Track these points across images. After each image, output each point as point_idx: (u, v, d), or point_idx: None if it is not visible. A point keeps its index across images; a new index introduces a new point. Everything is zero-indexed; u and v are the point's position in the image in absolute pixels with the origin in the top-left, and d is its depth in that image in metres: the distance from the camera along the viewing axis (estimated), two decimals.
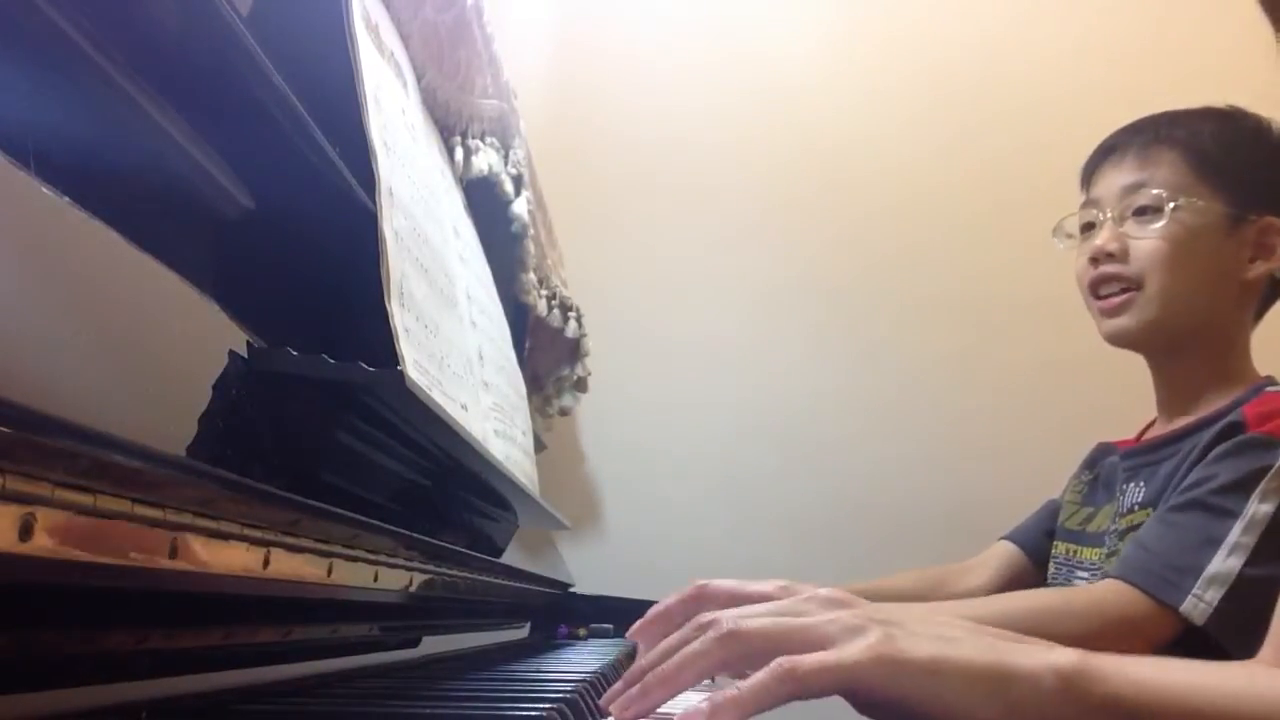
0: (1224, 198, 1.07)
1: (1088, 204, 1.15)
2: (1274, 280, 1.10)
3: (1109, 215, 1.11)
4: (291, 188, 0.69)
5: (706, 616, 0.54)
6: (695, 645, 0.52)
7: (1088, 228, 1.15)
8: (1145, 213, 1.09)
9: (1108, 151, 1.15)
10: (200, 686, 0.50)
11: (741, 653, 0.51)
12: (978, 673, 0.48)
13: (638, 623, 0.64)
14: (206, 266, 0.59)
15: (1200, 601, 0.91)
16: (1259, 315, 1.13)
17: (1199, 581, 0.92)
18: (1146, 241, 1.08)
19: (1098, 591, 0.97)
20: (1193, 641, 0.91)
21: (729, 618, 0.52)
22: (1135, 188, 1.10)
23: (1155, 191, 1.08)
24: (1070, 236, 1.17)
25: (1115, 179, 1.12)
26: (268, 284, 0.66)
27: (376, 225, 0.68)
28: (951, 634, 0.50)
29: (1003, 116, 1.94)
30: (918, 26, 2.01)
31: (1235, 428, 0.99)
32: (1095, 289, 1.12)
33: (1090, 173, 1.17)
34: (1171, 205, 1.07)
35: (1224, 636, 0.89)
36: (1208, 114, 1.12)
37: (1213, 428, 1.02)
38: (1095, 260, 1.11)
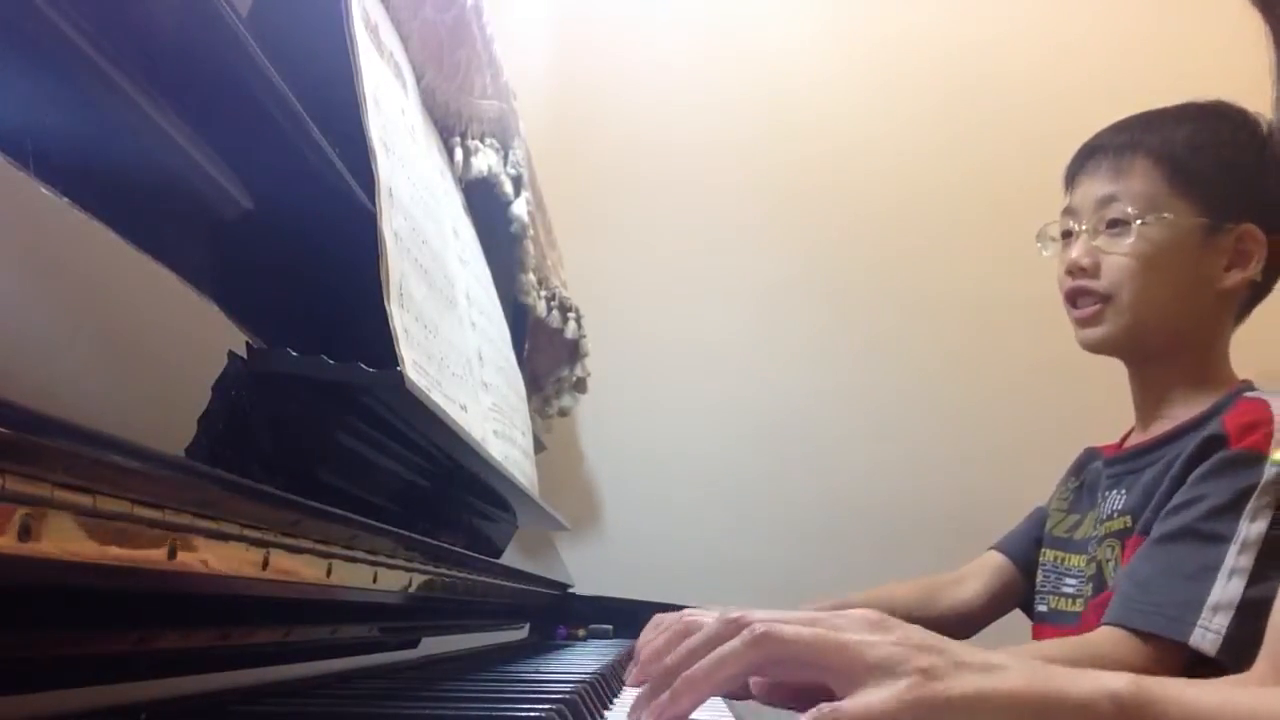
0: (1198, 207, 1.06)
1: (1067, 212, 1.15)
2: (1256, 286, 1.09)
3: (1084, 227, 1.11)
4: (291, 188, 0.69)
5: (735, 612, 0.52)
6: (729, 646, 0.49)
7: (1068, 234, 1.15)
8: (1116, 226, 1.08)
9: (1087, 156, 1.15)
10: (200, 687, 0.50)
11: (776, 657, 0.49)
12: (1026, 704, 0.46)
13: (636, 669, 0.64)
14: (206, 267, 0.59)
15: (1208, 631, 0.90)
16: (1239, 319, 1.12)
17: (1203, 612, 0.91)
18: (1116, 257, 1.08)
19: (1097, 643, 0.96)
20: (1197, 670, 0.90)
21: (763, 620, 0.50)
22: (1108, 200, 1.09)
23: (1125, 207, 1.08)
24: (1054, 241, 1.17)
25: (1091, 189, 1.12)
26: (267, 285, 0.66)
27: (376, 226, 0.68)
28: (997, 661, 0.48)
29: (1003, 116, 1.94)
30: (919, 26, 2.01)
31: (1217, 441, 0.98)
32: (1071, 300, 1.13)
33: (1072, 176, 1.17)
34: (1140, 222, 1.06)
35: (1233, 662, 0.87)
36: (1186, 115, 1.11)
37: (1192, 436, 1.01)
38: (1070, 273, 1.12)
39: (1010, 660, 0.48)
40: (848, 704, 0.45)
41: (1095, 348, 1.13)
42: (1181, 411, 1.08)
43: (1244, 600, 0.90)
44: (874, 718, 0.45)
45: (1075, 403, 1.71)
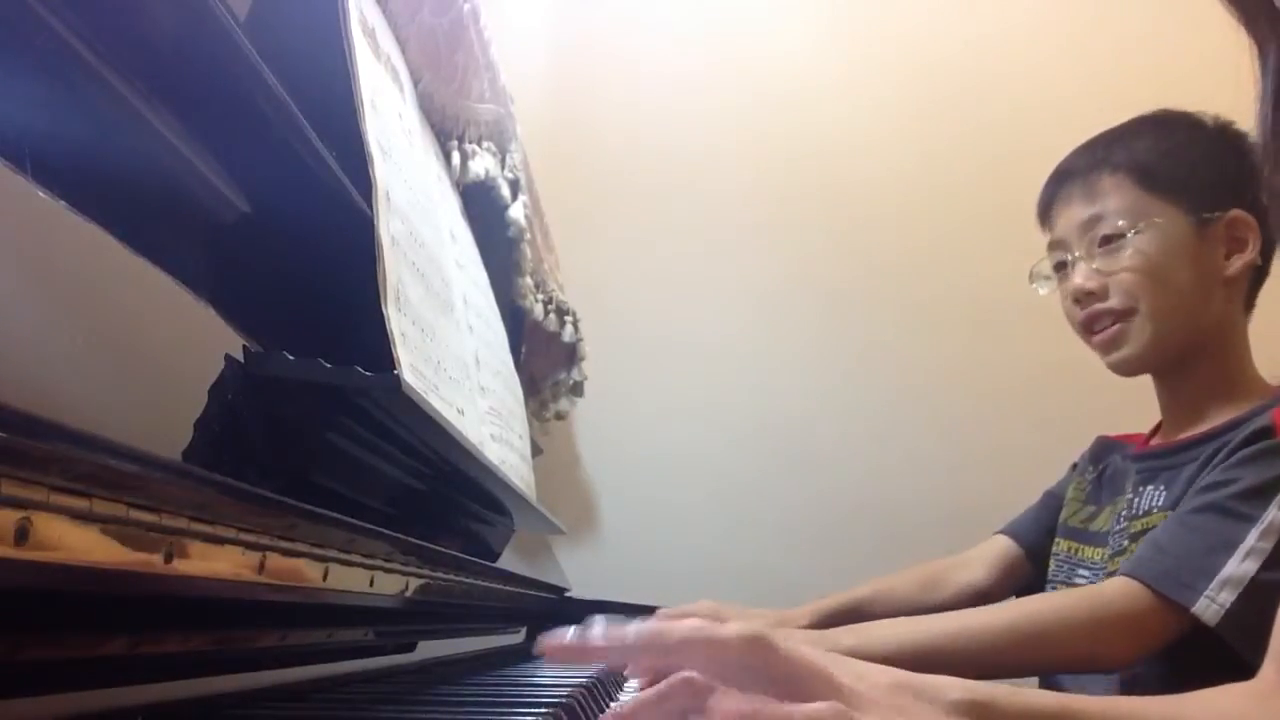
0: (1182, 206, 1.07)
1: (1054, 245, 1.16)
2: (1256, 268, 1.10)
3: (1077, 254, 1.12)
4: (288, 192, 0.69)
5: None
6: (722, 633, 0.47)
7: (1060, 266, 1.15)
8: (1110, 243, 1.09)
9: (1055, 186, 1.16)
10: (196, 691, 0.50)
11: (759, 665, 0.47)
12: None
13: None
14: (203, 270, 0.59)
15: (1213, 603, 0.91)
16: (1248, 307, 1.13)
17: (1213, 583, 0.92)
18: (1121, 274, 1.09)
19: (1108, 590, 0.97)
20: (1203, 643, 0.91)
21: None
22: (1093, 221, 1.10)
23: (1114, 221, 1.09)
24: (1048, 279, 1.18)
25: (1071, 216, 1.13)
26: (264, 288, 0.66)
27: (373, 229, 0.68)
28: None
29: (1001, 120, 1.94)
30: (916, 30, 2.01)
31: (1264, 433, 0.99)
32: (1089, 327, 1.12)
33: (1046, 210, 1.18)
34: (1133, 231, 1.08)
35: (1235, 638, 0.89)
36: (1141, 126, 1.13)
37: (1239, 430, 1.01)
38: (1079, 301, 1.12)
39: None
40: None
41: (1125, 369, 1.12)
42: (1216, 410, 1.08)
43: (1254, 581, 0.91)
44: None
45: (1073, 406, 1.71)
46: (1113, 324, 1.10)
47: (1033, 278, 1.20)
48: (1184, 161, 1.10)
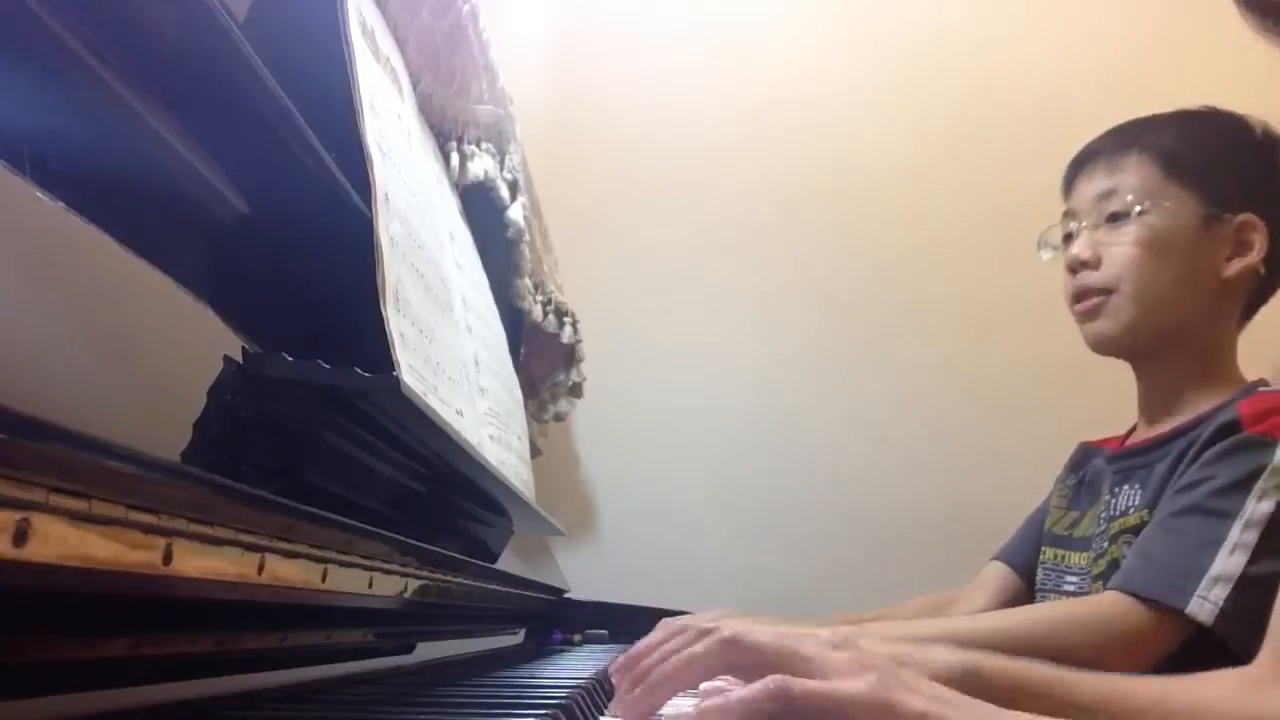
0: (1197, 197, 1.08)
1: (1067, 214, 1.17)
2: (1261, 279, 1.10)
3: (1084, 224, 1.13)
4: (287, 193, 0.69)
5: (709, 623, 0.58)
6: (698, 647, 0.56)
7: (1069, 238, 1.16)
8: (1116, 219, 1.10)
9: (1082, 161, 1.17)
10: (195, 692, 0.50)
11: (740, 662, 0.55)
12: None
13: (621, 658, 0.65)
14: (202, 272, 0.59)
15: (1206, 601, 0.91)
16: (1247, 316, 1.13)
17: (1203, 582, 0.92)
18: (1117, 247, 1.09)
19: (1100, 604, 0.97)
20: (1201, 644, 0.91)
21: (732, 626, 0.56)
22: (1107, 195, 1.11)
23: (1124, 197, 1.10)
24: (1055, 248, 1.18)
25: (1088, 188, 1.14)
26: (263, 289, 0.66)
27: (372, 231, 0.68)
28: (948, 696, 0.51)
29: (999, 121, 1.94)
30: (913, 31, 2.01)
31: (1231, 426, 0.99)
32: (1076, 298, 1.13)
33: (1069, 183, 1.18)
34: (1138, 209, 1.08)
35: (1231, 635, 0.89)
36: (1179, 116, 1.13)
37: (1207, 425, 1.01)
38: (1072, 270, 1.13)
39: (959, 699, 0.52)
40: (802, 680, 0.49)
41: (1100, 344, 1.13)
42: (1191, 407, 1.08)
43: (1244, 575, 0.91)
44: (822, 695, 0.48)
45: (1070, 406, 1.71)
46: (1095, 297, 1.11)
47: (1040, 244, 1.20)
48: (1211, 155, 1.10)
